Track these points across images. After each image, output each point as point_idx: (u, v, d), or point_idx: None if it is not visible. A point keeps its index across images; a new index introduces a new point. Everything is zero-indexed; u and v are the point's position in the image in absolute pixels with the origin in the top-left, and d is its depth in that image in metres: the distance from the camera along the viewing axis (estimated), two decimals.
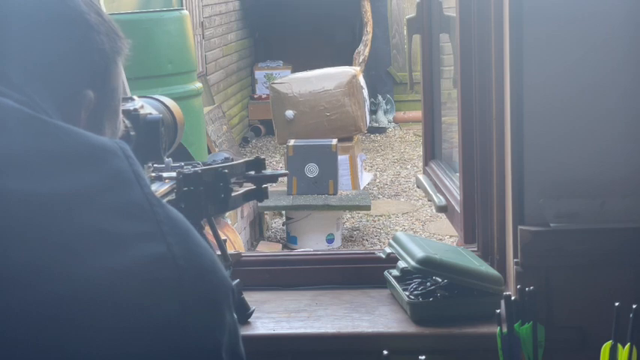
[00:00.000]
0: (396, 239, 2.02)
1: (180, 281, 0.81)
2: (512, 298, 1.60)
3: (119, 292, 0.78)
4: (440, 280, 1.93)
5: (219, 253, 1.84)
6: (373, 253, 2.14)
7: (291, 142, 6.85)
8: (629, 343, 1.52)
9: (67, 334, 0.75)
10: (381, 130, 10.83)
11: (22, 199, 0.79)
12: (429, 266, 1.89)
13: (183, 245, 0.84)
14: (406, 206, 7.74)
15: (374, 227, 7.24)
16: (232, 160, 1.84)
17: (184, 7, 7.85)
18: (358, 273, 2.12)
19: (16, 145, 0.83)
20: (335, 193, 6.63)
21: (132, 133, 1.47)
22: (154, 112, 1.58)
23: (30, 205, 0.79)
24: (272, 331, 1.88)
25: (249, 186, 1.85)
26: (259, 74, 11.20)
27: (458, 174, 2.23)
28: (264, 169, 1.85)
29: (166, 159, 1.73)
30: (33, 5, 0.95)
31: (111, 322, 0.77)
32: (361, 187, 7.65)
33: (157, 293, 0.80)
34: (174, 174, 1.72)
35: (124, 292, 0.78)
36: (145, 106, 1.57)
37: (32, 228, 0.78)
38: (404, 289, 1.94)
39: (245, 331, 1.88)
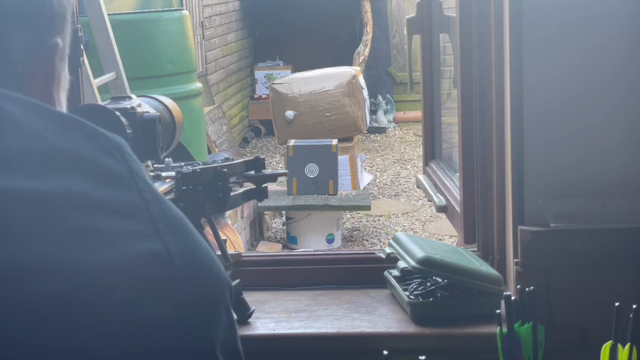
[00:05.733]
0: (396, 239, 2.02)
1: (174, 280, 0.80)
2: (512, 298, 1.60)
3: (110, 290, 0.77)
4: (440, 280, 1.93)
5: (219, 253, 1.84)
6: (373, 253, 2.14)
7: (291, 142, 6.85)
8: (629, 343, 1.52)
9: (57, 333, 0.75)
10: (381, 130, 10.83)
11: (12, 198, 0.79)
12: (429, 266, 1.88)
13: (180, 243, 0.83)
14: (406, 206, 7.74)
15: (374, 227, 7.24)
16: (232, 160, 1.84)
17: (184, 7, 7.85)
18: (358, 273, 2.12)
19: (7, 142, 0.83)
20: (335, 194, 6.63)
21: (128, 131, 1.47)
22: (152, 111, 1.58)
23: (20, 203, 0.79)
24: (272, 331, 1.88)
25: (249, 186, 1.86)
26: (259, 74, 11.20)
27: (458, 174, 2.23)
28: (264, 168, 1.85)
29: (166, 159, 1.73)
30: None
31: (101, 321, 0.77)
32: (361, 188, 7.65)
33: (149, 292, 0.79)
34: (173, 173, 1.72)
35: (114, 291, 0.78)
36: (142, 104, 1.57)
37: (22, 226, 0.78)
38: (404, 289, 1.94)
39: (245, 331, 1.88)
